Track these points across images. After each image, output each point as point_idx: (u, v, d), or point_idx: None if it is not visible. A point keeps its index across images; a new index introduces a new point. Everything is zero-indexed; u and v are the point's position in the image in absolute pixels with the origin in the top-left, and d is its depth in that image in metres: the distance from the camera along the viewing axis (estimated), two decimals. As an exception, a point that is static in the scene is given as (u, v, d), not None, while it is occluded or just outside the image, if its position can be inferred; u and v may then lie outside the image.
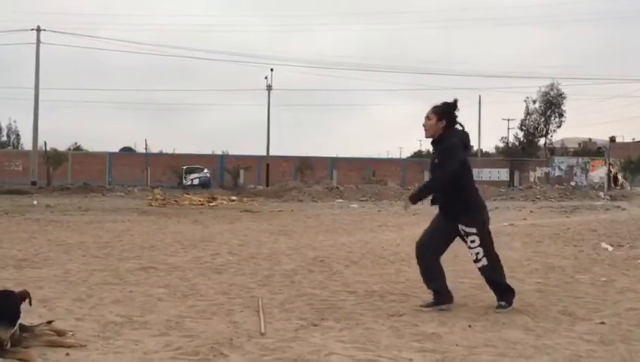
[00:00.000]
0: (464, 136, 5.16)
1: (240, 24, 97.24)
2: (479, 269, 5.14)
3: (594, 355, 3.85)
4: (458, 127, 5.17)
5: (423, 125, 5.17)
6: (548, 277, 6.76)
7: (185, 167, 42.58)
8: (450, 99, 5.19)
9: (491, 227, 5.20)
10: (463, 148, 5.09)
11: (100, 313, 4.86)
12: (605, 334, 4.35)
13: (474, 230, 5.02)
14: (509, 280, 5.23)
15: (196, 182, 40.38)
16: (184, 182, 40.34)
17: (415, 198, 5.15)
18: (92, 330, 4.31)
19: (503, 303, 5.07)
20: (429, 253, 5.17)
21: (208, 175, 42.25)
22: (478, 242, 5.01)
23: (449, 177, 4.98)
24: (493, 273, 5.10)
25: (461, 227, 5.06)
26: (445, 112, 5.12)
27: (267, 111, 45.53)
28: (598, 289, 6.08)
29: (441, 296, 5.11)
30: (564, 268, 7.47)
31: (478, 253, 5.03)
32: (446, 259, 5.30)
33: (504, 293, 5.12)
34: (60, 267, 7.18)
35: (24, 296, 4.07)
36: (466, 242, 5.09)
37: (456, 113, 5.16)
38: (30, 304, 4.14)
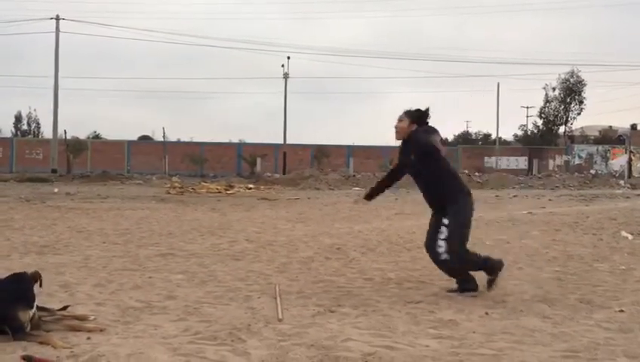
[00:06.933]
0: (432, 128, 5.13)
1: (256, 12, 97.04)
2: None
3: (612, 343, 3.83)
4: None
5: (395, 126, 5.21)
6: (566, 266, 6.72)
7: None
8: (424, 107, 5.20)
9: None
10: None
11: (120, 298, 4.93)
12: (624, 322, 4.32)
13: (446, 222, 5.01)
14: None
15: None
16: None
17: None
18: (112, 315, 4.37)
19: (455, 287, 5.16)
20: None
21: None
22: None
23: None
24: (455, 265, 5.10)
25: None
26: (418, 117, 5.14)
27: (284, 99, 45.54)
28: (617, 278, 6.04)
29: (468, 282, 5.15)
30: (583, 256, 7.41)
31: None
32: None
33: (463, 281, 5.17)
34: (80, 253, 7.29)
35: (35, 277, 4.06)
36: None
37: (428, 121, 5.17)
38: (40, 286, 4.13)
